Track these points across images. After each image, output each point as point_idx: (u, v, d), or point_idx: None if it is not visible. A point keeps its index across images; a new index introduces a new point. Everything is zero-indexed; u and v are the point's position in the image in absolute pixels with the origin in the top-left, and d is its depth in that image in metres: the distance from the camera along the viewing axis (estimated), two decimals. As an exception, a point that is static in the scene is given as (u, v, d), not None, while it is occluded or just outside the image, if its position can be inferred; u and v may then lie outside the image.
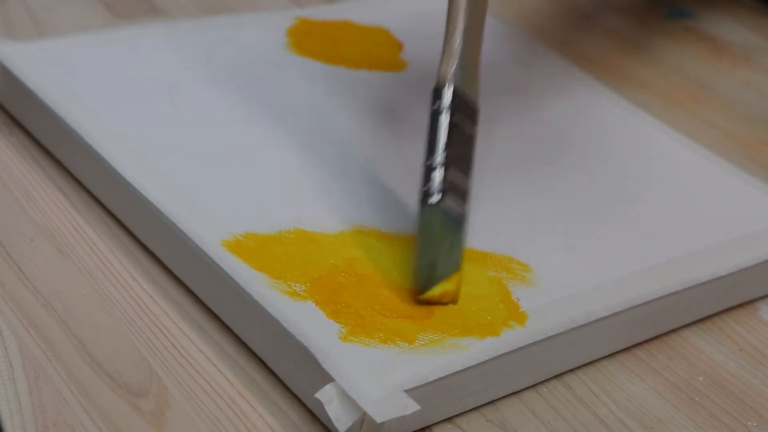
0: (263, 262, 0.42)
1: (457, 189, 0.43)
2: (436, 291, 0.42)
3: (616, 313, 0.43)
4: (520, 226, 0.47)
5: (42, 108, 0.49)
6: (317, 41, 0.58)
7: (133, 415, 0.38)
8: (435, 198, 0.42)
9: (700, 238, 0.48)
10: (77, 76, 0.51)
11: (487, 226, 0.46)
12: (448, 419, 0.40)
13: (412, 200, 0.47)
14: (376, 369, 0.38)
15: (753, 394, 0.44)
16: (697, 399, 0.43)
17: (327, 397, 0.38)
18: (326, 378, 0.38)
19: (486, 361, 0.40)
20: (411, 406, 0.38)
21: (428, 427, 0.40)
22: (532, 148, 0.53)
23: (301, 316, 0.40)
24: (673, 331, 0.46)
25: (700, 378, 0.44)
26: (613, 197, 0.50)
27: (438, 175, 0.42)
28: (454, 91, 0.44)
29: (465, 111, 0.44)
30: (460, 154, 0.44)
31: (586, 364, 0.43)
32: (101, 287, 0.43)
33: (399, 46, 0.59)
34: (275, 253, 0.43)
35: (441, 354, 0.40)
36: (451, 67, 0.44)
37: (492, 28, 0.63)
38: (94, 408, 0.38)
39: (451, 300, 0.42)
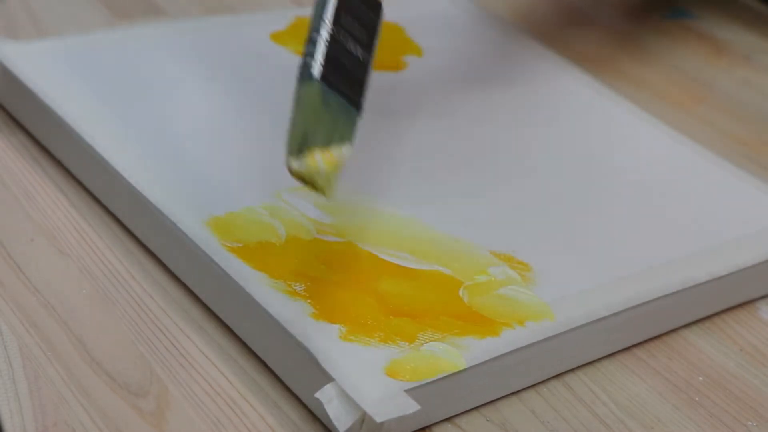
0: (263, 261, 0.42)
1: (346, 74, 0.41)
2: (310, 165, 0.39)
3: (616, 313, 0.43)
4: (520, 225, 0.47)
5: (42, 108, 0.49)
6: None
7: (133, 415, 0.38)
8: (316, 70, 0.39)
9: (700, 238, 0.48)
10: (77, 76, 0.51)
11: (487, 225, 0.46)
12: (448, 419, 0.40)
13: (411, 199, 0.47)
14: (376, 369, 0.38)
15: (753, 394, 0.44)
16: (697, 399, 0.43)
17: (327, 397, 0.38)
18: (326, 378, 0.38)
19: (486, 361, 0.40)
20: (411, 406, 0.38)
21: (428, 427, 0.40)
22: (531, 147, 0.53)
23: (301, 316, 0.40)
24: (673, 331, 0.46)
25: (700, 378, 0.44)
26: (613, 197, 0.50)
27: (321, 48, 0.40)
28: None
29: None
30: (354, 40, 0.41)
31: (586, 364, 0.43)
32: (101, 287, 0.43)
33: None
34: (275, 252, 0.43)
35: (441, 354, 0.40)
36: None
37: (491, 30, 0.63)
38: (94, 408, 0.38)
39: (322, 186, 0.39)
